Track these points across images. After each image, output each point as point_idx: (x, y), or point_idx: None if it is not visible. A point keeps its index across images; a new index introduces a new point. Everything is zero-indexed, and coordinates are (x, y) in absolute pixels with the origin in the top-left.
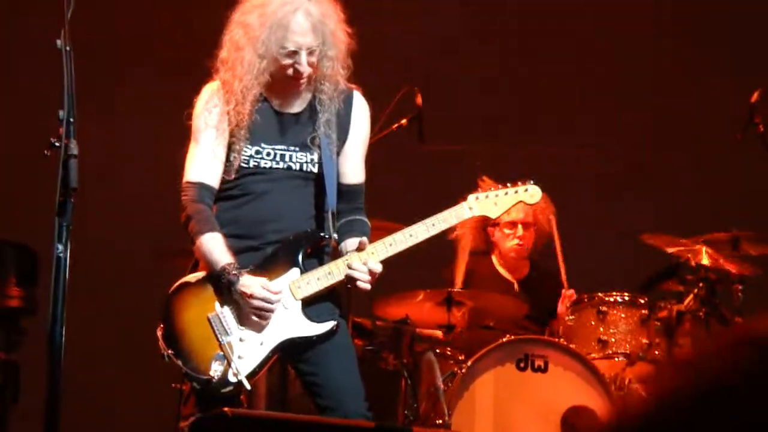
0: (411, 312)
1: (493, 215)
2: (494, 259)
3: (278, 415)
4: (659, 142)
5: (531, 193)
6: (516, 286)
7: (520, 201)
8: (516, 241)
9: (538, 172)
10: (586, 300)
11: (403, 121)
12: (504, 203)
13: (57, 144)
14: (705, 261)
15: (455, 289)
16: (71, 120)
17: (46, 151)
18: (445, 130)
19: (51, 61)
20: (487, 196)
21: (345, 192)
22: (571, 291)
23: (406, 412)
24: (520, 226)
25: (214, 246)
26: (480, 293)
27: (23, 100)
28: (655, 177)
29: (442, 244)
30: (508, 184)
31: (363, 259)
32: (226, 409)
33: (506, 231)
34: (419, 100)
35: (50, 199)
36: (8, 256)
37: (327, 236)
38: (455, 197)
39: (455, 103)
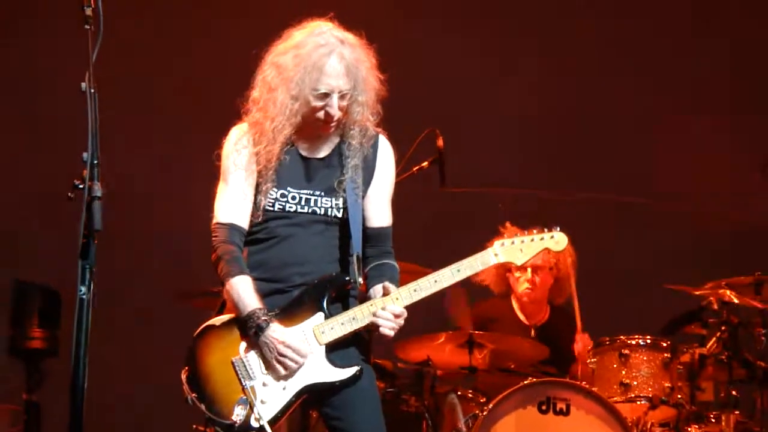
0: (432, 354)
1: (518, 262)
2: (513, 303)
3: None
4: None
5: (557, 240)
6: (533, 331)
7: (546, 248)
8: (526, 285)
9: (558, 214)
10: (608, 342)
11: (425, 164)
12: (530, 250)
13: (81, 186)
14: (731, 299)
15: (477, 332)
16: (95, 162)
17: (70, 194)
18: (466, 172)
19: (76, 103)
20: (513, 243)
21: (372, 235)
22: (585, 334)
23: None
24: (529, 270)
25: (244, 289)
26: (501, 336)
27: (49, 140)
28: (678, 217)
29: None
30: (534, 231)
31: (387, 305)
32: None
33: (517, 275)
34: (440, 142)
35: (74, 240)
36: (32, 298)
37: (352, 280)
38: (477, 239)
39: (476, 146)
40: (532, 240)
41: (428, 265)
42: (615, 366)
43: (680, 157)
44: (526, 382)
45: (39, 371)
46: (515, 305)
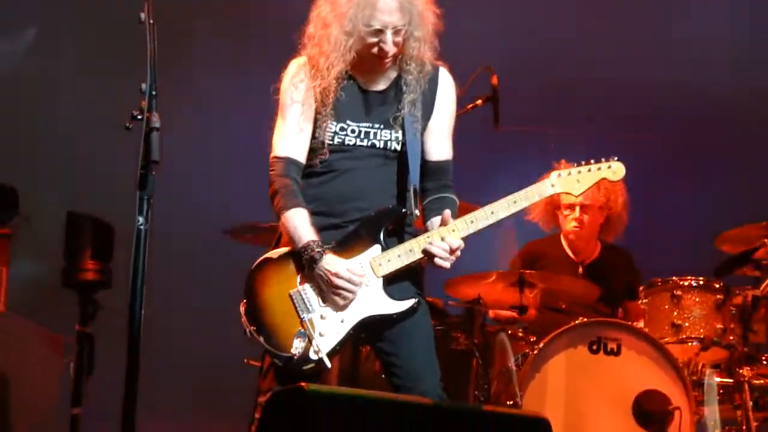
0: (483, 292)
1: (575, 192)
2: (563, 240)
3: (355, 391)
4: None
5: (614, 169)
6: (581, 268)
7: (604, 178)
8: (574, 223)
9: (610, 154)
10: (660, 284)
11: (479, 102)
12: (587, 180)
13: (139, 117)
14: None
15: (528, 271)
16: (153, 93)
17: (128, 124)
18: (520, 111)
19: (133, 35)
20: (569, 173)
21: (431, 169)
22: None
23: (476, 392)
24: (578, 208)
25: (300, 222)
26: (552, 275)
27: (106, 72)
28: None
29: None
30: (592, 161)
31: (443, 236)
32: (302, 384)
33: (565, 213)
34: (495, 80)
35: (128, 173)
36: (85, 230)
37: (409, 213)
38: (530, 179)
39: (530, 84)
40: (589, 170)
41: (481, 203)
42: (667, 307)
43: None
44: (577, 321)
45: (92, 303)
46: (564, 243)
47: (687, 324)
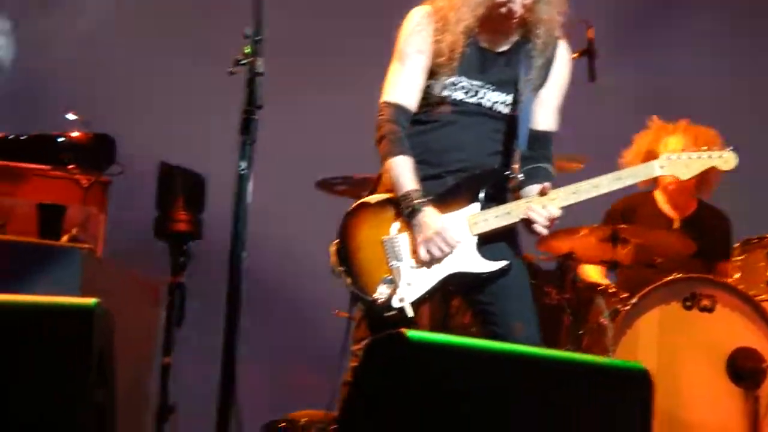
0: (575, 247)
1: (682, 177)
2: (657, 196)
3: (456, 338)
4: None
5: (725, 159)
6: (676, 223)
7: (714, 167)
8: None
9: (707, 101)
10: (755, 241)
11: (574, 55)
12: (696, 166)
13: (243, 62)
14: None
15: (621, 226)
16: (258, 38)
17: (231, 70)
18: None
19: None
20: (679, 158)
21: (534, 138)
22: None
23: (568, 347)
24: None
25: (403, 169)
26: (646, 230)
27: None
28: None
29: None
30: (704, 148)
31: (544, 203)
32: (402, 330)
33: None
34: (591, 33)
35: (219, 124)
36: (177, 181)
37: (512, 176)
38: (623, 134)
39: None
40: (700, 157)
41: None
42: (762, 264)
43: None
44: (670, 277)
45: (184, 253)
46: (659, 198)
47: None
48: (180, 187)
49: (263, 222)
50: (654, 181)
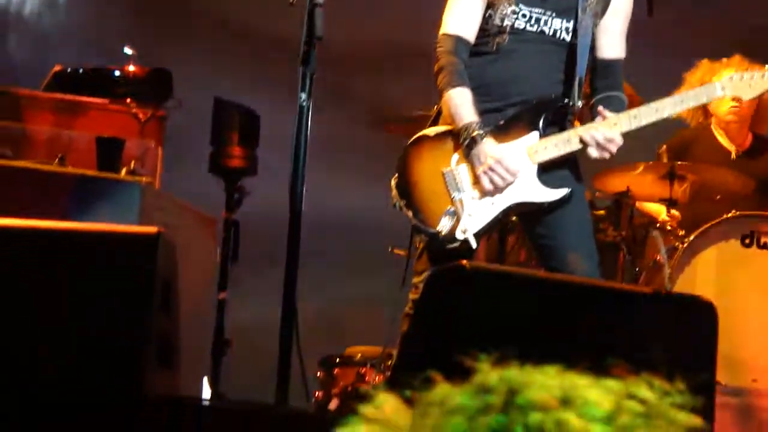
0: (632, 184)
1: (746, 96)
2: (714, 129)
3: (518, 270)
4: None
5: None
6: (734, 154)
7: None
8: (732, 103)
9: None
10: None
11: None
12: (760, 86)
13: None
14: None
15: (678, 163)
16: None
17: (291, 0)
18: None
19: None
20: (741, 78)
21: (602, 67)
22: None
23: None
24: None
25: (462, 101)
26: (704, 167)
27: None
28: None
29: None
30: (766, 67)
31: (602, 128)
32: (464, 261)
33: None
34: None
35: (272, 61)
36: (232, 117)
37: (572, 104)
38: (681, 69)
39: None
40: (763, 76)
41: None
42: None
43: None
44: (729, 215)
45: (238, 190)
46: (715, 132)
47: None
48: (235, 123)
49: (318, 157)
50: (707, 117)
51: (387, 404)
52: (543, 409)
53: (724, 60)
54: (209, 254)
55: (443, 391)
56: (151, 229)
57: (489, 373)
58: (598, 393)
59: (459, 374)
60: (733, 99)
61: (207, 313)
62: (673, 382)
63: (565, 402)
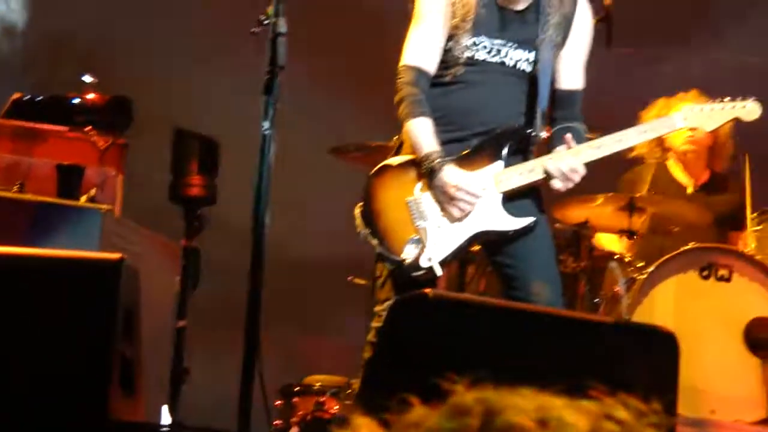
0: (591, 215)
1: (707, 128)
2: (670, 165)
3: (482, 300)
4: None
5: (749, 109)
6: (690, 189)
7: (737, 117)
8: (688, 132)
9: (724, 80)
10: None
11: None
12: (720, 117)
13: (266, 21)
14: None
15: (637, 195)
16: None
17: (254, 29)
18: (634, 32)
19: None
20: (702, 109)
21: (561, 97)
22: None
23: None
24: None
25: (424, 131)
26: (662, 199)
27: None
28: None
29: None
30: (727, 99)
31: (567, 159)
32: (427, 290)
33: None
34: (608, 0)
35: (233, 91)
36: (191, 146)
37: (535, 134)
38: (642, 100)
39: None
40: (723, 108)
41: (594, 126)
42: None
43: None
44: (687, 247)
45: (198, 218)
46: (672, 167)
47: None
48: (194, 151)
49: (277, 188)
50: (664, 152)
51: (363, 427)
52: (521, 430)
53: (680, 94)
54: (170, 282)
55: (420, 413)
56: (114, 256)
57: (465, 395)
58: (574, 414)
59: (425, 401)
60: (690, 129)
61: (166, 341)
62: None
63: (543, 423)
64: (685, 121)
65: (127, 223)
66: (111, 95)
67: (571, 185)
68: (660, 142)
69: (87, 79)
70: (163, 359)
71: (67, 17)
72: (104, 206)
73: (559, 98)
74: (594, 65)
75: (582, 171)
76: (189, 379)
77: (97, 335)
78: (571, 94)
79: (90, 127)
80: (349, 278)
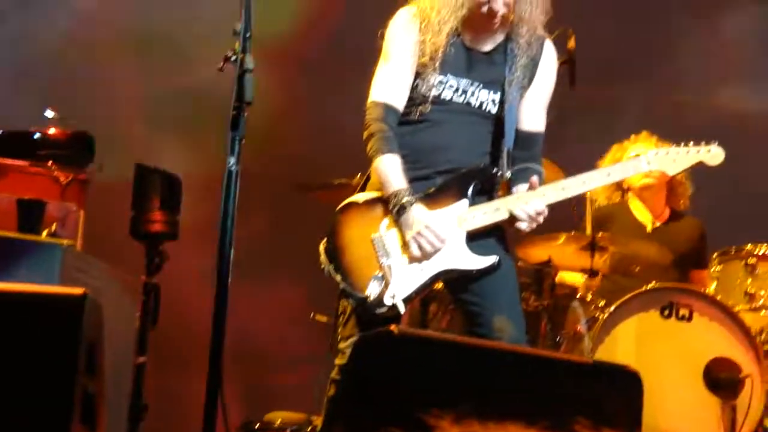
0: (553, 254)
1: (670, 172)
2: (630, 204)
3: (447, 337)
4: None
5: (713, 154)
6: (649, 228)
7: (701, 161)
8: (643, 176)
9: (688, 121)
10: (734, 252)
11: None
12: (684, 161)
13: (233, 58)
14: None
15: (599, 234)
16: (248, 35)
17: (221, 65)
18: (596, 73)
19: None
20: (667, 153)
21: (523, 138)
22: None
23: None
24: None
25: (392, 168)
26: (624, 239)
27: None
28: None
29: None
30: (691, 143)
31: (528, 199)
32: (392, 327)
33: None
34: (572, 43)
35: (196, 127)
36: (153, 182)
37: (500, 174)
38: (606, 140)
39: (608, 45)
40: (688, 152)
41: (557, 164)
42: (740, 275)
43: None
44: (648, 286)
45: (159, 254)
46: (632, 206)
47: (762, 293)
48: (156, 187)
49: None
50: (623, 195)
51: None
52: None
53: (633, 137)
54: (130, 317)
55: None
56: (78, 290)
57: (450, 430)
58: None
59: None
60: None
61: (127, 377)
62: None
63: None
64: (649, 165)
65: (88, 258)
66: (73, 130)
67: (535, 226)
68: (618, 185)
69: (49, 113)
70: (123, 395)
71: (31, 51)
72: (65, 241)
73: (520, 139)
74: (556, 105)
75: (546, 212)
76: (147, 416)
77: (61, 370)
78: (532, 135)
79: (52, 162)
80: (312, 315)
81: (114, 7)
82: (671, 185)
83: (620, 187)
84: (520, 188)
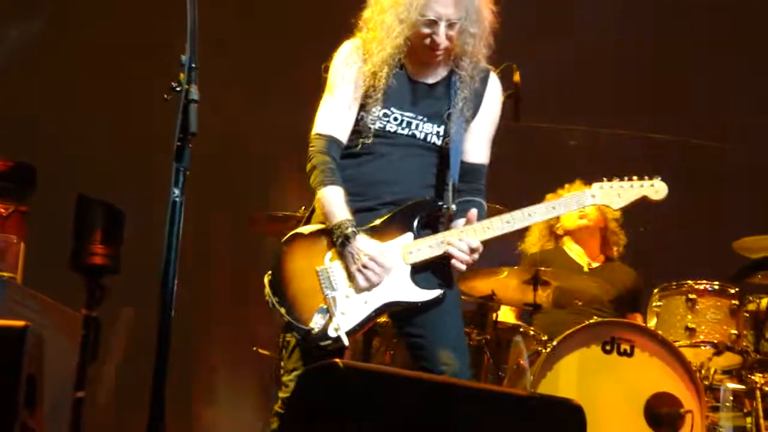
0: (496, 288)
1: (614, 206)
2: (566, 247)
3: (392, 370)
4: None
5: (657, 188)
6: (585, 268)
7: (645, 196)
8: (577, 216)
9: (630, 156)
10: (675, 287)
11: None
12: (628, 195)
13: (178, 88)
14: None
15: (542, 269)
16: (193, 65)
17: (166, 96)
18: (541, 107)
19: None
20: (611, 187)
21: (467, 171)
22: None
23: None
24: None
25: (335, 200)
26: (566, 274)
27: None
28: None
29: None
30: (635, 177)
31: (468, 235)
32: (337, 360)
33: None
34: (517, 77)
35: (138, 158)
36: (95, 215)
37: (445, 207)
38: (549, 174)
39: (551, 81)
40: (632, 186)
41: (502, 199)
42: (681, 310)
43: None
44: (590, 321)
45: (100, 288)
46: (568, 248)
47: (702, 328)
48: (98, 219)
49: (183, 256)
50: (558, 240)
51: None
52: None
53: (567, 186)
54: (69, 352)
55: None
56: (19, 323)
57: None
58: None
59: None
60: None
61: (65, 411)
62: None
63: None
64: (593, 198)
65: (28, 291)
66: (13, 161)
67: (464, 267)
68: (551, 231)
69: None
70: (61, 431)
71: None
72: (5, 274)
73: (464, 171)
74: (500, 139)
75: (480, 249)
76: None
77: (0, 403)
78: (476, 168)
79: None
80: (254, 348)
81: (54, 37)
82: (605, 234)
83: (553, 232)
84: (459, 222)
